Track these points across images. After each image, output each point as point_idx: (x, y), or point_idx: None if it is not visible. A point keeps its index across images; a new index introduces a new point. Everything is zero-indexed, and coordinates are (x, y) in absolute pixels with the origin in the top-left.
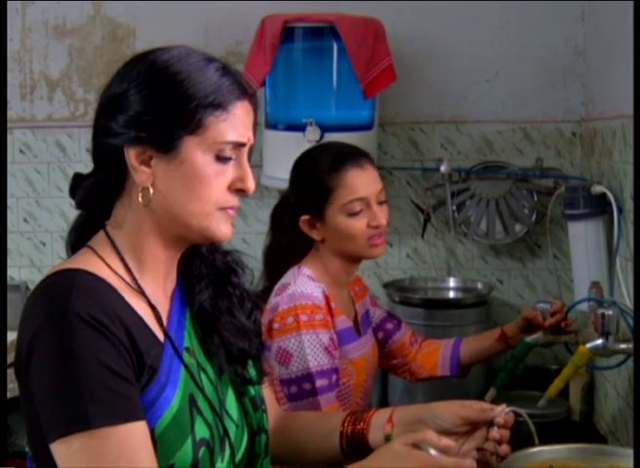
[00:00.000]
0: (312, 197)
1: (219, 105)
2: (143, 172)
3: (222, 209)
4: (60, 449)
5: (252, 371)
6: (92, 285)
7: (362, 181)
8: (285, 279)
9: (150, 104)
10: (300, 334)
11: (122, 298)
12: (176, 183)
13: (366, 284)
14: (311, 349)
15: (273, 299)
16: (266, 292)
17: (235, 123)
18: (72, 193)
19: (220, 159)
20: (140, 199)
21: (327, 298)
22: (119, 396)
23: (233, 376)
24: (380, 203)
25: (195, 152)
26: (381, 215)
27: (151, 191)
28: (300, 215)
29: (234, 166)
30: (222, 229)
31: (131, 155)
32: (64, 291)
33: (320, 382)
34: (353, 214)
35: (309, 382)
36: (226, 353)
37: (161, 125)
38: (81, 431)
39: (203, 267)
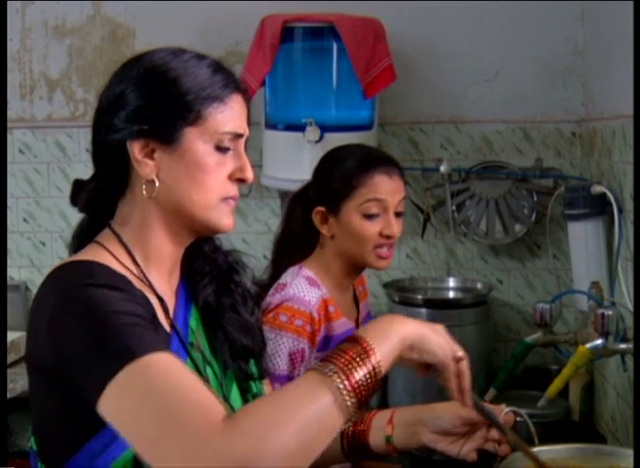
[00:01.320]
0: (333, 189)
1: (215, 98)
2: (147, 164)
3: (224, 199)
4: (109, 395)
5: (253, 368)
6: (105, 272)
7: (386, 187)
8: (283, 279)
9: (150, 99)
10: (270, 331)
11: (134, 286)
12: (179, 174)
13: (366, 287)
14: (273, 350)
15: (268, 299)
16: (271, 280)
17: (232, 115)
18: (74, 200)
19: (220, 149)
20: (144, 192)
21: (325, 302)
22: (152, 333)
23: (237, 372)
24: (398, 214)
25: (197, 142)
26: (396, 226)
27: (157, 183)
28: (315, 206)
29: (233, 156)
30: (225, 220)
31: (134, 148)
32: (80, 275)
33: (273, 386)
34: (369, 216)
35: None
36: (230, 349)
37: (162, 117)
38: (126, 365)
39: (206, 265)
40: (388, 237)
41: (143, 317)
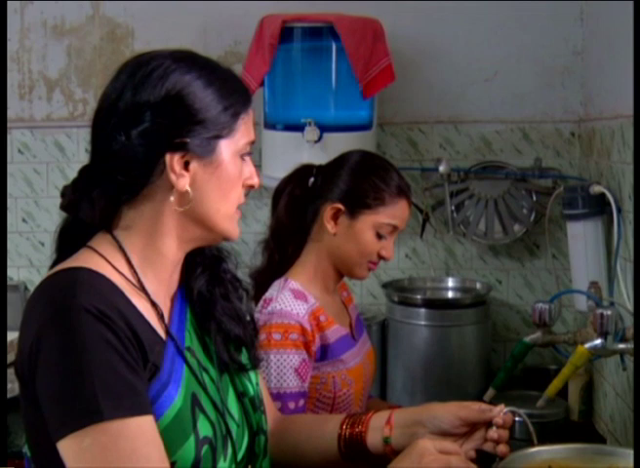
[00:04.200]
0: (360, 195)
1: (243, 109)
2: (184, 176)
3: (237, 207)
4: (70, 446)
5: (244, 358)
6: (94, 281)
7: (404, 215)
8: (269, 293)
9: (189, 115)
10: (268, 354)
11: (124, 295)
12: (212, 185)
13: (350, 292)
14: (277, 370)
15: (255, 315)
16: (264, 273)
17: (251, 123)
18: (73, 207)
19: (243, 158)
20: (174, 203)
21: (314, 313)
22: (130, 389)
23: (230, 363)
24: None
25: (229, 153)
26: (392, 250)
27: (191, 194)
28: (327, 200)
29: (245, 164)
30: (236, 228)
31: (174, 161)
32: (68, 286)
33: (287, 404)
34: (379, 236)
35: (278, 402)
36: (224, 340)
37: (203, 131)
38: (93, 424)
39: (196, 256)
40: (383, 258)
41: (130, 368)
